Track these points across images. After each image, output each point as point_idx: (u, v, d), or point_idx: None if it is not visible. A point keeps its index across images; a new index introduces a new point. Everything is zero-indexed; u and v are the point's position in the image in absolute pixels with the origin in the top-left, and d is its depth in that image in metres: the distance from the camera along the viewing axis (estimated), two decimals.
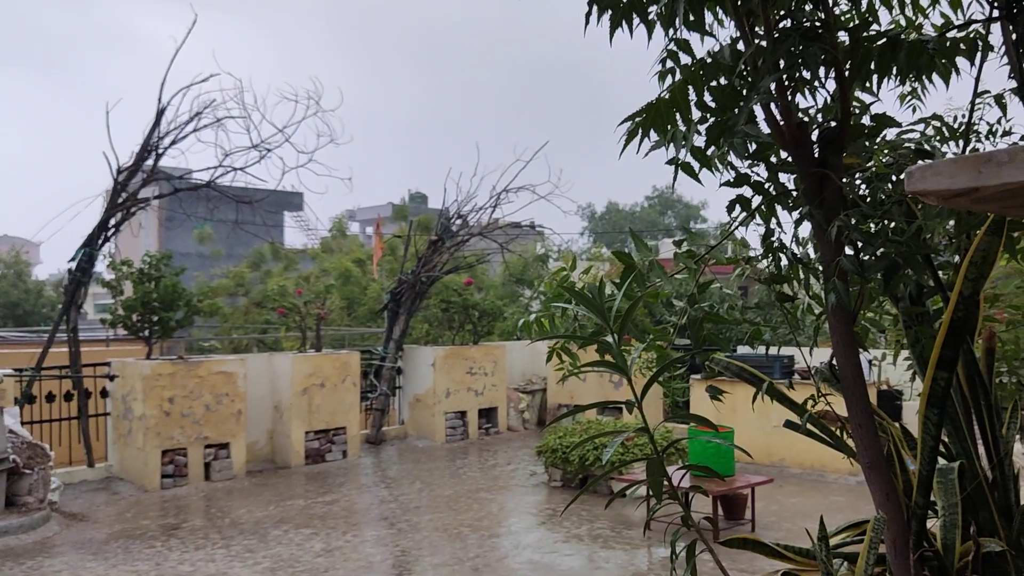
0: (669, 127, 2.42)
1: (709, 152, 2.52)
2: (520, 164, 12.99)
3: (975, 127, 3.11)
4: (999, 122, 3.16)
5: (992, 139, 3.14)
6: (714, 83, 2.45)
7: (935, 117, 2.96)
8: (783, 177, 2.59)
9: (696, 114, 2.47)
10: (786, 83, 2.29)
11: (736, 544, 2.50)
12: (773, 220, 2.42)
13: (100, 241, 10.34)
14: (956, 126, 3.05)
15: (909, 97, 3.12)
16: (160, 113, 10.46)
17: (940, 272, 2.63)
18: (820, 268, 2.29)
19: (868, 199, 2.21)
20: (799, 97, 2.50)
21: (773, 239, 2.37)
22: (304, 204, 39.08)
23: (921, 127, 2.88)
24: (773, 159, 2.46)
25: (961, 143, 2.99)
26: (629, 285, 2.13)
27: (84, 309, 11.12)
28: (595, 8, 2.49)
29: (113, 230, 10.40)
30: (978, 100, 3.08)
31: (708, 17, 2.56)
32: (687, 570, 2.06)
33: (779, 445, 10.74)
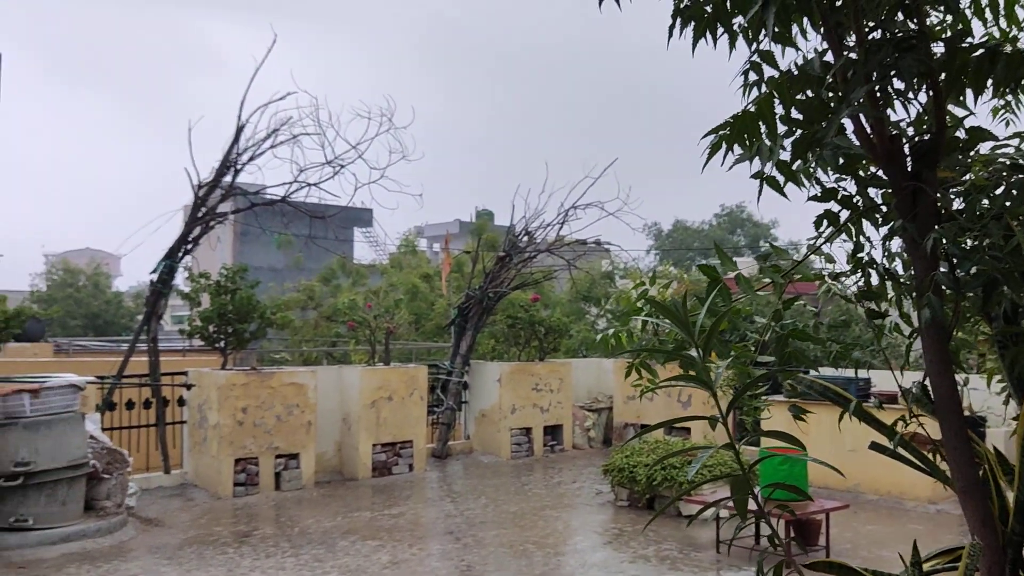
0: (754, 140, 2.39)
1: (795, 166, 2.47)
2: (588, 181, 12.99)
3: None
4: None
5: None
6: (801, 96, 2.41)
7: None
8: (872, 192, 2.53)
9: (781, 128, 2.44)
10: (878, 95, 2.24)
11: (821, 568, 2.43)
12: (862, 235, 2.36)
13: (180, 254, 10.66)
14: None
15: (1002, 111, 3.03)
16: (239, 130, 10.76)
17: None
18: (912, 284, 2.23)
19: (964, 214, 2.14)
20: (889, 110, 2.44)
21: (862, 254, 2.31)
22: (373, 220, 39.68)
23: (1015, 141, 2.79)
24: (862, 173, 2.40)
25: None
26: (713, 299, 2.10)
27: (162, 322, 11.44)
28: (679, 20, 2.48)
29: (192, 243, 10.71)
30: None
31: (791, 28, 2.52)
32: None
33: (854, 470, 10.43)
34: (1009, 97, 2.93)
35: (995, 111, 3.05)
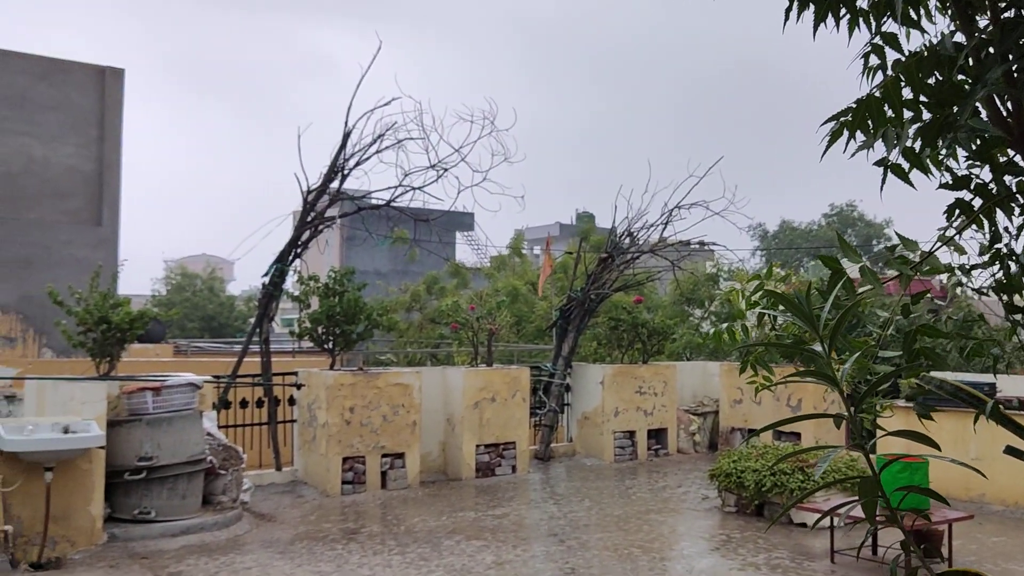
0: (878, 126, 2.27)
1: (922, 154, 2.34)
2: (693, 180, 12.76)
3: None
4: None
5: None
6: (930, 79, 2.28)
7: None
8: (1008, 180, 2.37)
9: (907, 114, 2.31)
10: (1015, 75, 2.10)
11: None
12: (999, 227, 2.22)
13: (291, 257, 10.98)
14: None
15: None
16: (346, 136, 11.01)
17: None
18: None
19: None
20: None
21: (1000, 245, 2.17)
22: (475, 224, 40.10)
23: None
24: (998, 159, 2.25)
25: None
26: (837, 292, 2.00)
27: (272, 325, 11.80)
28: (796, 3, 2.38)
29: (302, 247, 11.02)
30: None
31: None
32: None
33: (978, 479, 9.91)
34: None
35: None
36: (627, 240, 13.35)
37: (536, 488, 11.26)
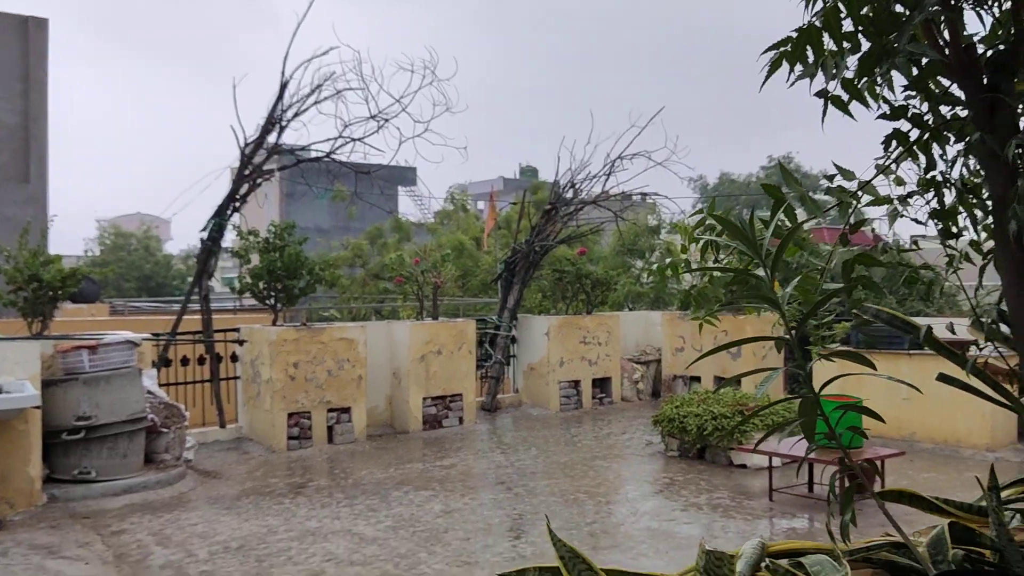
0: (818, 56, 2.28)
1: (860, 84, 2.36)
2: (635, 131, 12.77)
3: None
4: None
5: None
6: (867, 6, 2.29)
7: None
8: (944, 111, 2.41)
9: (846, 45, 2.32)
10: (952, 2, 2.12)
11: (891, 497, 2.37)
12: (934, 155, 2.25)
13: (229, 212, 10.75)
14: None
15: None
16: (283, 87, 10.75)
17: None
18: (989, 202, 2.12)
19: None
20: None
21: (935, 172, 2.21)
22: (418, 179, 39.72)
23: None
24: (934, 89, 2.28)
25: None
26: (779, 220, 2.02)
27: (211, 284, 11.57)
28: None
29: (240, 201, 10.78)
30: None
31: None
32: (848, 512, 1.95)
33: (909, 418, 10.28)
34: None
35: None
36: (570, 191, 13.35)
37: (483, 438, 11.35)
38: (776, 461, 8.35)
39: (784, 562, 1.79)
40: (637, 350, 14.89)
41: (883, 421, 2.19)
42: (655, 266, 2.56)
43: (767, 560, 1.80)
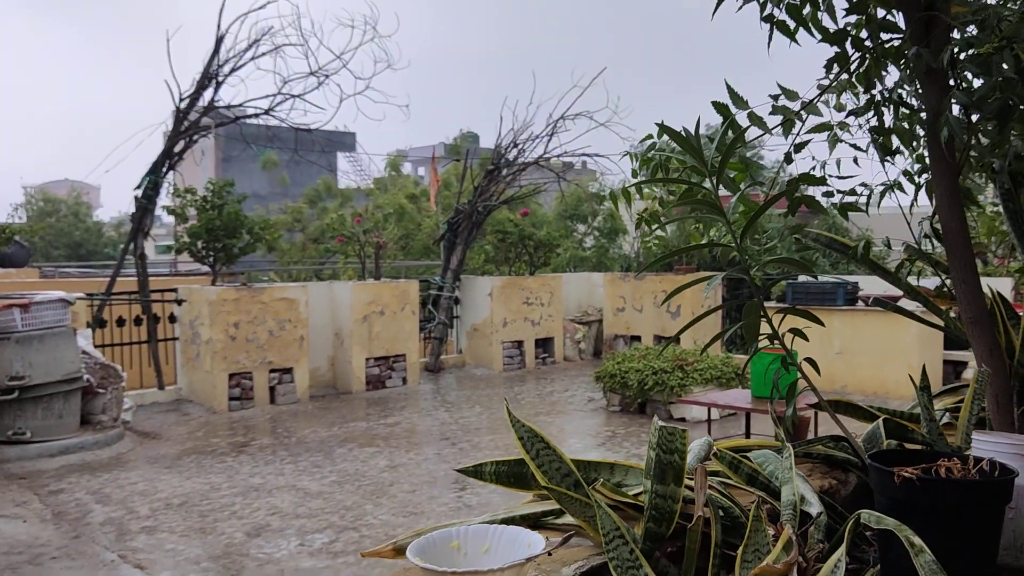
0: None
1: (804, 11, 2.42)
2: (577, 91, 12.80)
3: None
4: None
5: None
6: None
7: None
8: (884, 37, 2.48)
9: None
10: None
11: (833, 407, 2.46)
12: (874, 77, 2.33)
13: (164, 169, 10.50)
14: None
15: None
16: (219, 41, 10.49)
17: None
18: (926, 117, 2.20)
19: (976, 45, 2.11)
20: None
21: (874, 91, 2.28)
22: (357, 144, 39.15)
23: None
24: (874, 14, 2.35)
25: None
26: (724, 135, 2.07)
27: (145, 249, 11.31)
28: None
29: (177, 158, 10.54)
30: None
31: None
32: (790, 407, 2.03)
33: (841, 372, 10.62)
34: None
35: None
36: (513, 152, 13.35)
37: (427, 398, 11.38)
38: (715, 414, 8.56)
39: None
40: (579, 311, 15.04)
41: (819, 373, 2.27)
42: (609, 192, 2.59)
43: (716, 450, 1.87)
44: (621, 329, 14.05)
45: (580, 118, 12.64)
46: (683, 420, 9.43)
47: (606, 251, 19.40)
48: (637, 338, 13.65)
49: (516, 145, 13.22)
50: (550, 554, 1.60)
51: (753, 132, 2.28)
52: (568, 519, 1.81)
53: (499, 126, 13.39)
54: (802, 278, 11.78)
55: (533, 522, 1.89)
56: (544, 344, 13.90)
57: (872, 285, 10.84)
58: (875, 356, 10.31)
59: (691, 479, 1.64)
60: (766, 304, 7.97)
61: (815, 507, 1.73)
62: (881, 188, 2.40)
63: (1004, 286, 10.20)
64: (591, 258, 19.01)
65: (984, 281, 2.30)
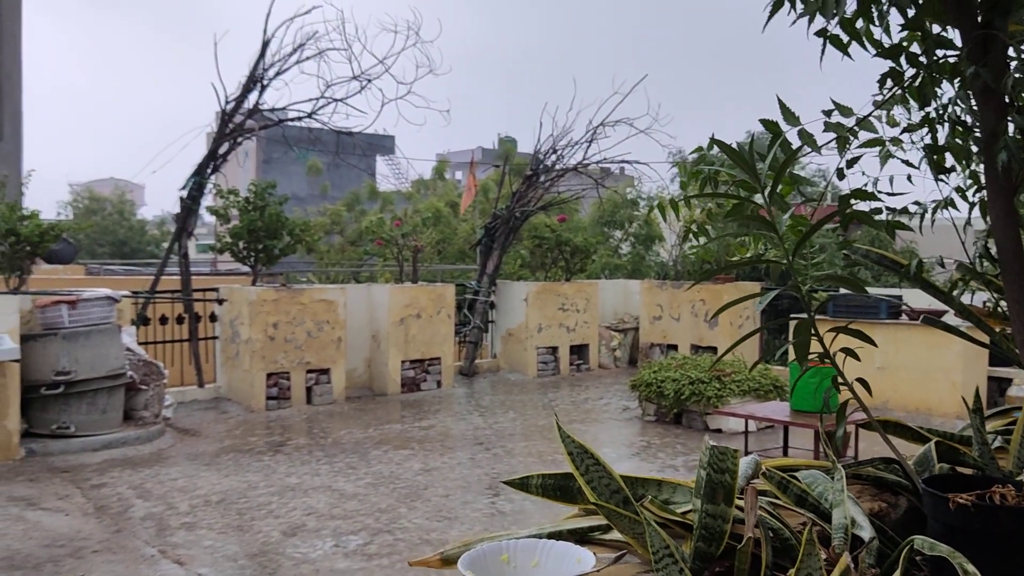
0: None
1: (858, 25, 2.40)
2: (618, 98, 12.78)
3: None
4: None
5: None
6: None
7: None
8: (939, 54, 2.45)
9: None
10: None
11: (882, 426, 2.44)
12: (929, 93, 2.30)
13: (208, 170, 10.66)
14: None
15: None
16: (265, 45, 10.64)
17: None
18: (982, 138, 2.18)
19: None
20: None
21: (929, 109, 2.26)
22: (396, 147, 39.41)
23: None
24: (930, 28, 2.33)
25: None
26: (773, 152, 2.07)
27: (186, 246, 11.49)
28: None
29: (221, 159, 10.69)
30: None
31: None
32: (840, 428, 2.02)
33: (883, 387, 10.47)
34: None
35: None
36: (552, 157, 13.36)
37: (461, 401, 11.42)
38: (752, 426, 8.49)
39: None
40: (615, 318, 15.00)
41: (870, 394, 2.25)
42: (657, 202, 2.59)
43: (764, 469, 1.86)
44: (657, 338, 13.99)
45: (620, 125, 12.62)
46: (719, 431, 9.36)
47: (642, 258, 19.33)
48: (674, 347, 13.59)
49: (555, 151, 13.23)
50: (599, 571, 1.60)
51: (805, 147, 2.26)
52: (615, 535, 1.82)
53: (538, 132, 13.40)
54: (843, 290, 11.66)
55: (580, 537, 1.89)
56: (579, 351, 13.88)
57: (915, 299, 10.68)
58: (918, 372, 10.16)
59: (740, 499, 1.64)
60: (800, 316, 7.86)
61: (867, 531, 1.72)
62: (933, 205, 2.38)
63: None
64: (626, 265, 18.95)
65: None
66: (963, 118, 2.26)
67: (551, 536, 1.79)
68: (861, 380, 2.22)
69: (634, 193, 25.13)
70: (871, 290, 11.01)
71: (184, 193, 10.68)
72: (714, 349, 12.89)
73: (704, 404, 9.35)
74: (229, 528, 6.12)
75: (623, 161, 13.31)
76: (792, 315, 10.67)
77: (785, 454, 8.24)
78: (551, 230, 13.58)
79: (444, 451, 8.57)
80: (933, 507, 1.77)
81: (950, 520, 1.71)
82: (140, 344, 9.97)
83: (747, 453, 8.38)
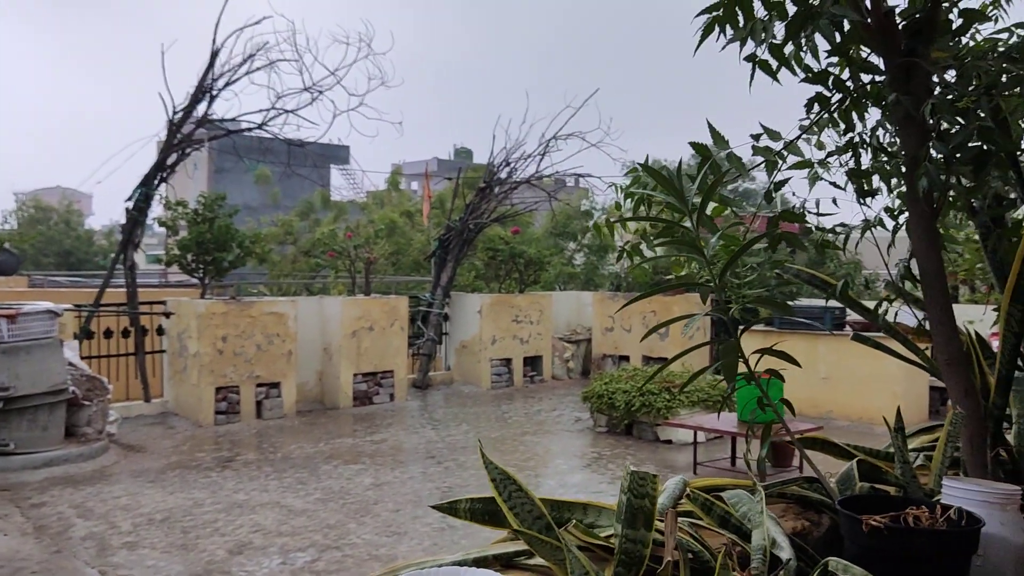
0: (747, 20, 2.36)
1: (787, 51, 2.45)
2: (570, 111, 12.87)
3: None
4: None
5: None
6: None
7: (1020, 25, 2.85)
8: (864, 78, 2.52)
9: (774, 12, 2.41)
10: None
11: (807, 444, 2.48)
12: (853, 118, 2.36)
13: (156, 181, 10.50)
14: None
15: (991, 7, 3.01)
16: (214, 55, 10.52)
17: None
18: (903, 162, 2.24)
19: (956, 91, 2.15)
20: None
21: (853, 134, 2.31)
22: (350, 158, 39.21)
23: (1004, 36, 2.78)
24: (854, 55, 2.39)
25: None
26: (705, 175, 2.10)
27: (135, 260, 11.30)
28: None
29: (168, 170, 10.54)
30: None
31: None
32: (764, 448, 2.05)
33: (826, 398, 10.65)
34: None
35: (984, 8, 3.03)
36: (505, 170, 13.39)
37: (414, 415, 11.36)
38: (701, 436, 8.57)
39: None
40: (568, 329, 15.06)
41: (793, 414, 2.29)
42: (592, 223, 2.62)
43: (689, 490, 1.89)
44: (609, 349, 14.08)
45: (572, 138, 12.71)
46: (669, 442, 9.43)
47: (596, 268, 19.45)
48: (625, 358, 13.67)
49: (508, 164, 13.27)
50: None
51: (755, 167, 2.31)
52: (540, 560, 1.82)
53: (491, 144, 13.44)
54: (790, 302, 11.83)
55: (506, 562, 1.90)
56: (532, 362, 13.91)
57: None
58: (860, 382, 10.34)
59: (663, 521, 1.66)
60: (754, 328, 7.99)
61: (786, 552, 1.75)
62: (861, 227, 2.43)
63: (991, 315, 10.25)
64: (580, 275, 19.05)
65: (972, 310, 2.33)
66: (885, 143, 2.32)
67: (476, 562, 1.80)
68: (786, 401, 2.26)
69: (588, 204, 25.30)
70: (813, 303, 11.18)
71: (130, 204, 10.50)
72: (666, 360, 12.98)
73: (654, 415, 9.42)
74: (173, 547, 6.02)
75: (576, 174, 13.39)
76: (744, 327, 10.81)
77: (733, 464, 8.34)
78: (505, 242, 13.61)
79: (396, 465, 8.52)
80: (848, 528, 1.81)
81: (864, 542, 1.75)
82: (84, 358, 9.77)
83: (695, 463, 8.46)
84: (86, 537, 6.21)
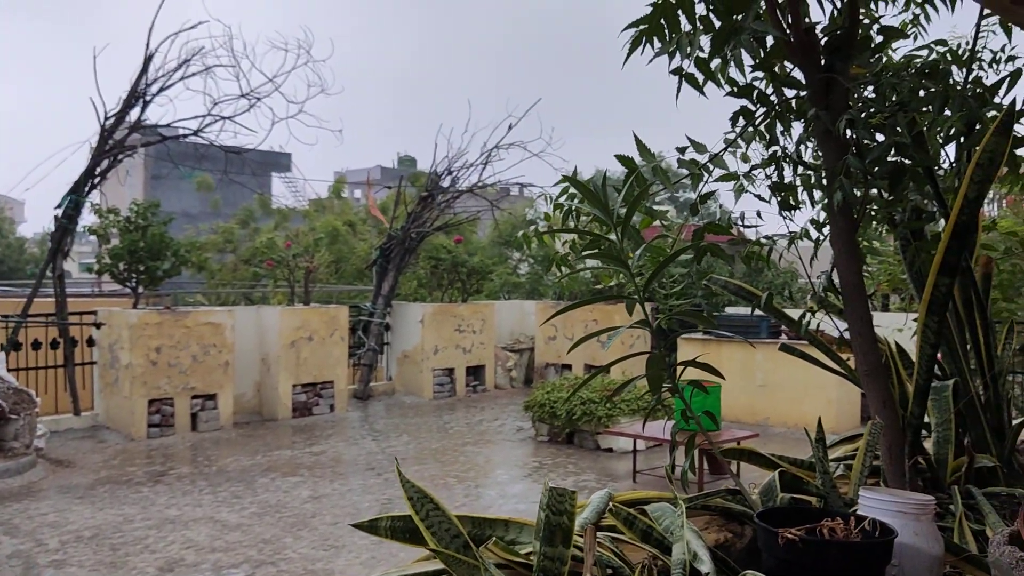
0: (674, 34, 2.38)
1: (713, 65, 2.48)
2: (512, 120, 12.90)
3: (979, 54, 3.07)
4: (1003, 49, 3.12)
5: (996, 66, 3.10)
6: None
7: (939, 42, 2.93)
8: (787, 93, 2.55)
9: (699, 27, 2.43)
10: None
11: (733, 455, 2.50)
12: (777, 132, 2.39)
13: (87, 188, 10.22)
14: (960, 52, 3.02)
15: (910, 25, 3.09)
16: (148, 60, 10.30)
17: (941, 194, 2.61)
18: (824, 175, 2.27)
19: (873, 105, 2.19)
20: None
21: (776, 148, 2.34)
22: (292, 165, 38.74)
23: (924, 53, 2.85)
24: (777, 71, 2.42)
25: (965, 70, 2.96)
26: (630, 187, 2.11)
27: (67, 269, 11.00)
28: None
29: (100, 177, 10.27)
30: (983, 26, 3.03)
31: None
32: (688, 460, 2.06)
33: (763, 405, 10.82)
34: (918, 10, 2.99)
35: (904, 26, 3.10)
36: (447, 179, 13.36)
37: (355, 426, 11.24)
38: (640, 445, 8.63)
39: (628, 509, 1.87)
40: (511, 339, 15.06)
41: (717, 427, 2.30)
42: (520, 233, 2.62)
43: (612, 505, 1.88)
44: (552, 357, 14.11)
45: (514, 147, 12.73)
46: (610, 451, 9.48)
47: (540, 278, 19.48)
48: (568, 367, 13.72)
49: (451, 172, 13.24)
50: None
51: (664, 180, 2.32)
52: None
53: (433, 153, 13.40)
54: (729, 309, 12.01)
55: None
56: (475, 372, 13.87)
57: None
58: (796, 389, 10.53)
59: (581, 537, 1.65)
60: (688, 336, 8.06)
61: (706, 565, 1.75)
62: (787, 238, 2.47)
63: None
64: (525, 284, 19.08)
65: (902, 318, 2.38)
66: (807, 157, 2.36)
67: None
68: (709, 414, 2.28)
69: (533, 214, 25.37)
70: (742, 311, 11.35)
71: (60, 212, 10.21)
72: (608, 368, 13.05)
73: (595, 424, 9.45)
74: (101, 565, 5.84)
75: (519, 183, 13.42)
76: (683, 335, 10.94)
77: (673, 471, 8.41)
78: (448, 251, 13.57)
79: (335, 477, 8.41)
80: (765, 541, 1.82)
81: (781, 555, 1.77)
82: (10, 371, 9.45)
83: (635, 472, 8.50)
84: (12, 555, 6.00)
